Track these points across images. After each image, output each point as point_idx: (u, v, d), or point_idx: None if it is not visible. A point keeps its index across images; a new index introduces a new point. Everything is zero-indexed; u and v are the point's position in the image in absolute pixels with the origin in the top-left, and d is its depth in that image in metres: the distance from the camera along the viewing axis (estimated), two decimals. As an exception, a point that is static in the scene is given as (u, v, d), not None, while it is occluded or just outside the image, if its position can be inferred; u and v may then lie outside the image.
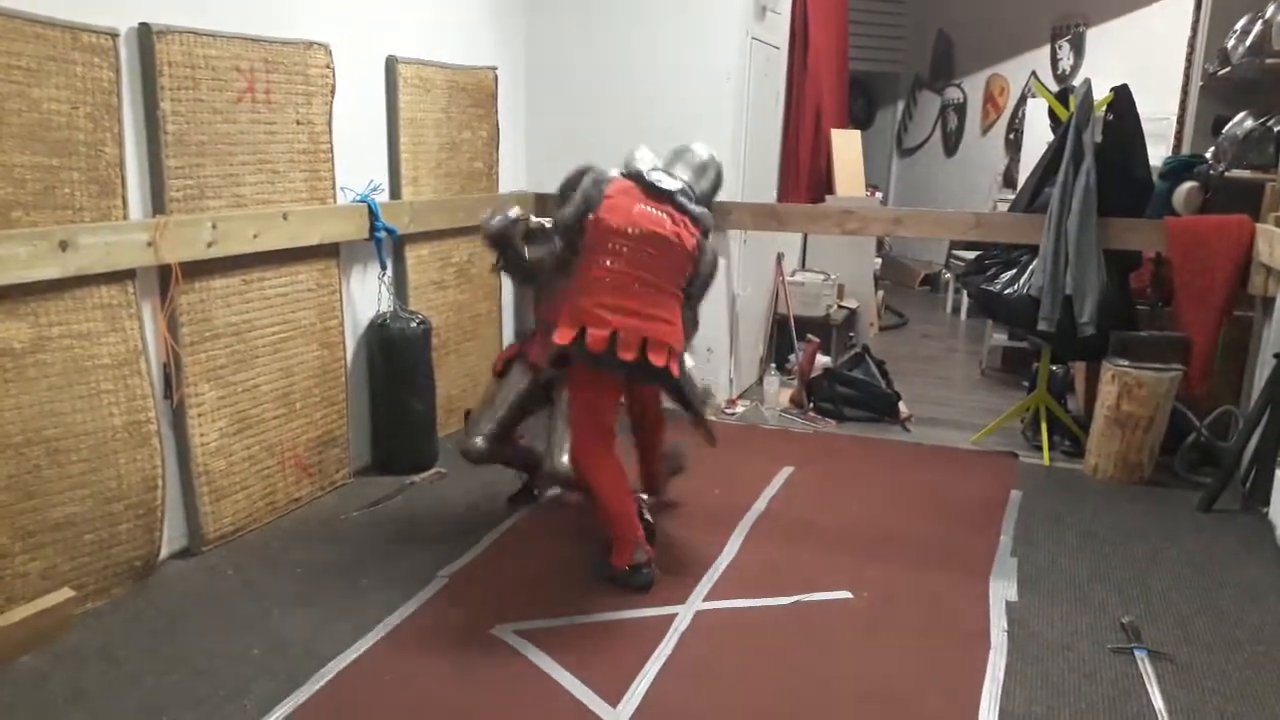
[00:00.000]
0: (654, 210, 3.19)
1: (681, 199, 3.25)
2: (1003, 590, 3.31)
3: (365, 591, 3.19)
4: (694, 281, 3.31)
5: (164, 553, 3.32)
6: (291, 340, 3.77)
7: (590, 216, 3.23)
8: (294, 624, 2.98)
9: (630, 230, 3.14)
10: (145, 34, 3.05)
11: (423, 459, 4.31)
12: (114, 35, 2.93)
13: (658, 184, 3.24)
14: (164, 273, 3.19)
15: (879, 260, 8.03)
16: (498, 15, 5.07)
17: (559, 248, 3.51)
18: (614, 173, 3.35)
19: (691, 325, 3.44)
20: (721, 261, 3.43)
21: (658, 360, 3.08)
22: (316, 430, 3.92)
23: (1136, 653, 2.90)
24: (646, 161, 3.36)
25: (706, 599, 3.19)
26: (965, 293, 6.75)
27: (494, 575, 3.35)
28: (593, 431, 3.29)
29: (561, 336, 3.12)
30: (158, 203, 3.17)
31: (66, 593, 2.87)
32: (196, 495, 3.40)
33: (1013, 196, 8.07)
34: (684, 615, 3.07)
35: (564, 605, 3.12)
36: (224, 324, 3.45)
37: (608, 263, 3.13)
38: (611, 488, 3.28)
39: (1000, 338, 6.38)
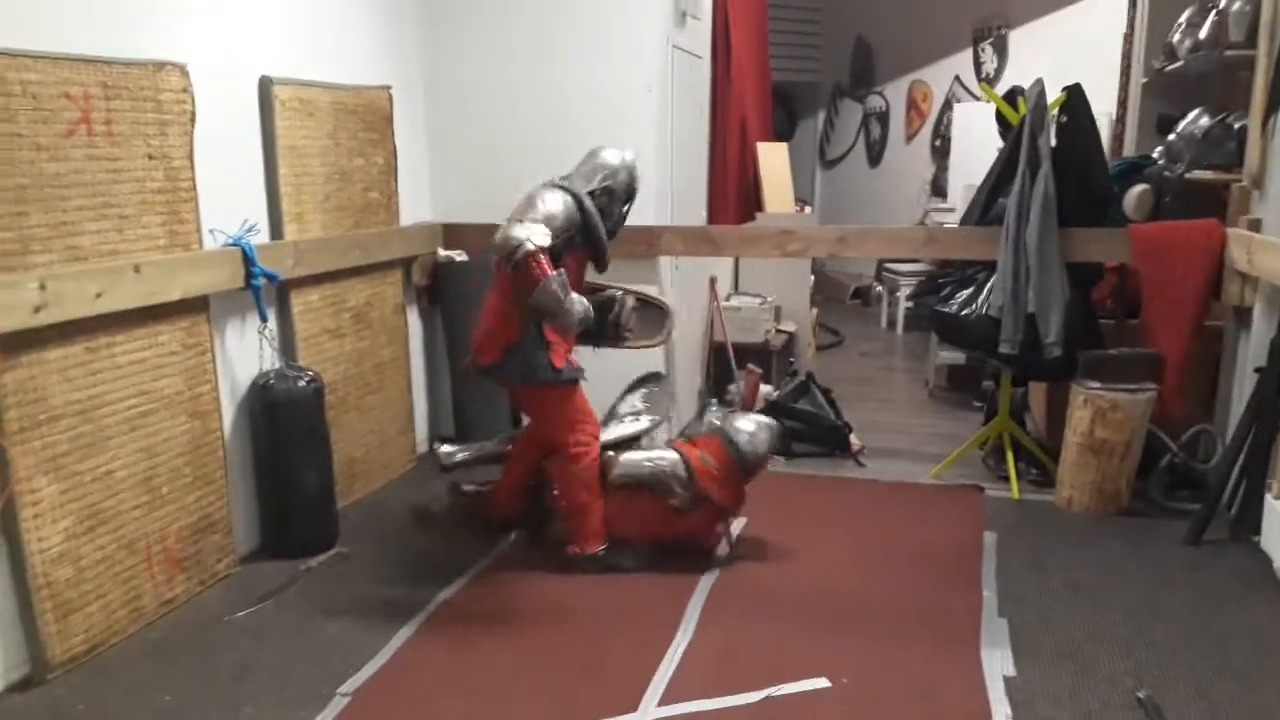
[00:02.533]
0: None
1: None
2: (997, 663, 2.89)
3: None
4: None
5: (-3, 688, 2.71)
6: (153, 414, 3.17)
7: None
8: (155, 778, 2.40)
9: None
10: (-64, 55, 2.47)
11: (321, 537, 3.73)
12: (-110, 57, 2.34)
13: None
14: (-23, 348, 2.59)
15: (812, 277, 7.67)
16: (389, 28, 4.54)
17: None
18: None
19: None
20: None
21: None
22: (190, 516, 3.33)
23: (1162, 736, 2.50)
24: None
25: (662, 703, 2.68)
26: (923, 315, 6.37)
27: (403, 690, 2.80)
28: None
29: None
30: (-36, 263, 2.57)
31: None
32: (36, 613, 2.78)
33: (944, 205, 7.87)
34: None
35: (492, 724, 2.60)
36: (63, 403, 2.85)
37: None
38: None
39: (946, 355, 6.03)
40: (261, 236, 3.65)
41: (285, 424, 3.61)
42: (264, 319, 3.59)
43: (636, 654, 2.95)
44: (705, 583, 3.44)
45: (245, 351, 3.62)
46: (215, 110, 3.39)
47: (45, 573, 2.80)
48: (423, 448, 4.92)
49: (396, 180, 4.52)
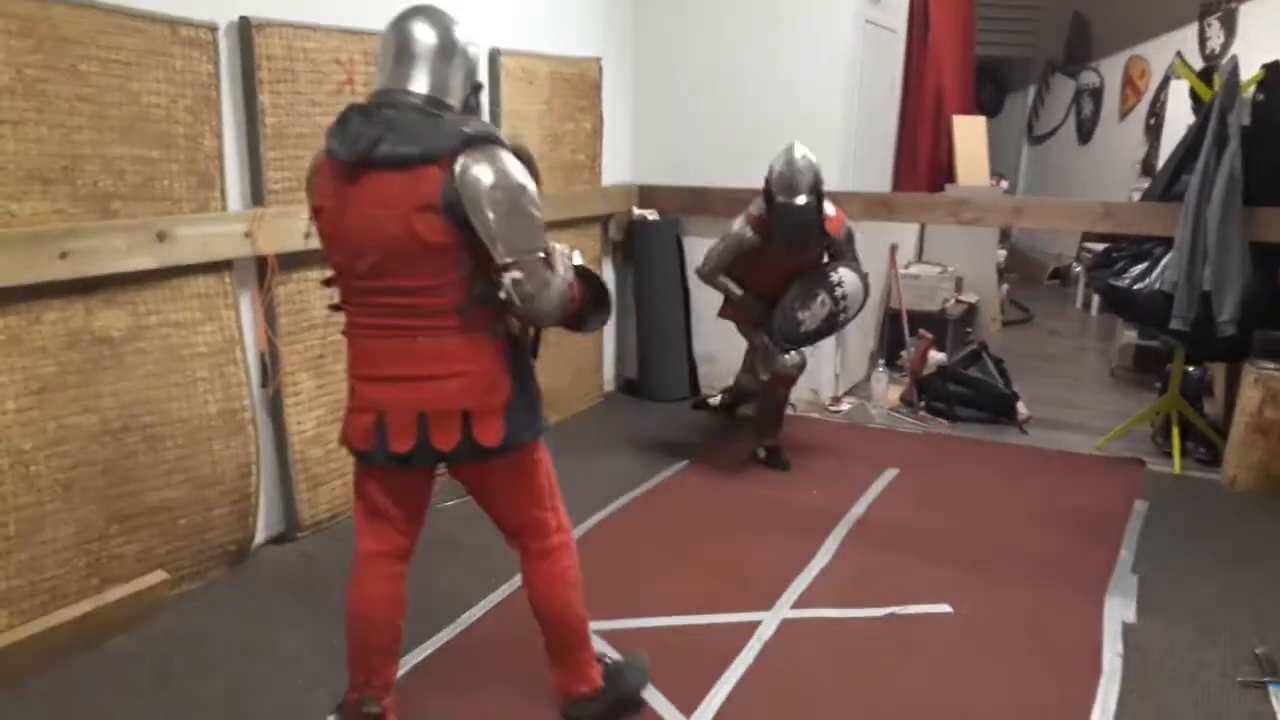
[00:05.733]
0: (373, 207, 2.00)
1: (399, 149, 1.96)
2: (1119, 610, 3.07)
3: (454, 582, 3.19)
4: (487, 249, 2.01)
5: (260, 538, 3.40)
6: (388, 331, 3.79)
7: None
8: (377, 614, 2.98)
9: (357, 264, 2.06)
10: (245, 27, 3.10)
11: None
12: (213, 29, 2.98)
13: (357, 146, 1.98)
14: (261, 264, 3.24)
15: (1003, 252, 7.65)
16: (603, 4, 5.01)
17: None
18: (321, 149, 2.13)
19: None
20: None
21: (443, 443, 2.09)
22: (413, 420, 3.94)
23: (1270, 687, 2.63)
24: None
25: (795, 606, 3.05)
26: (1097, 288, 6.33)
27: (582, 568, 3.28)
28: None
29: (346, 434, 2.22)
30: (256, 194, 3.23)
31: (161, 575, 2.94)
32: (293, 482, 3.46)
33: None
34: (769, 623, 2.95)
35: (647, 605, 3.04)
36: (322, 314, 3.49)
37: (352, 316, 2.16)
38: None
39: (1132, 335, 5.98)
40: (482, 187, 4.20)
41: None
42: (480, 258, 4.14)
43: (779, 565, 3.32)
44: (850, 518, 3.75)
45: (464, 285, 4.20)
46: (451, 76, 3.95)
47: (301, 450, 3.47)
48: (610, 386, 5.43)
49: (601, 144, 5.00)
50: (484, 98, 2.25)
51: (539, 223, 2.07)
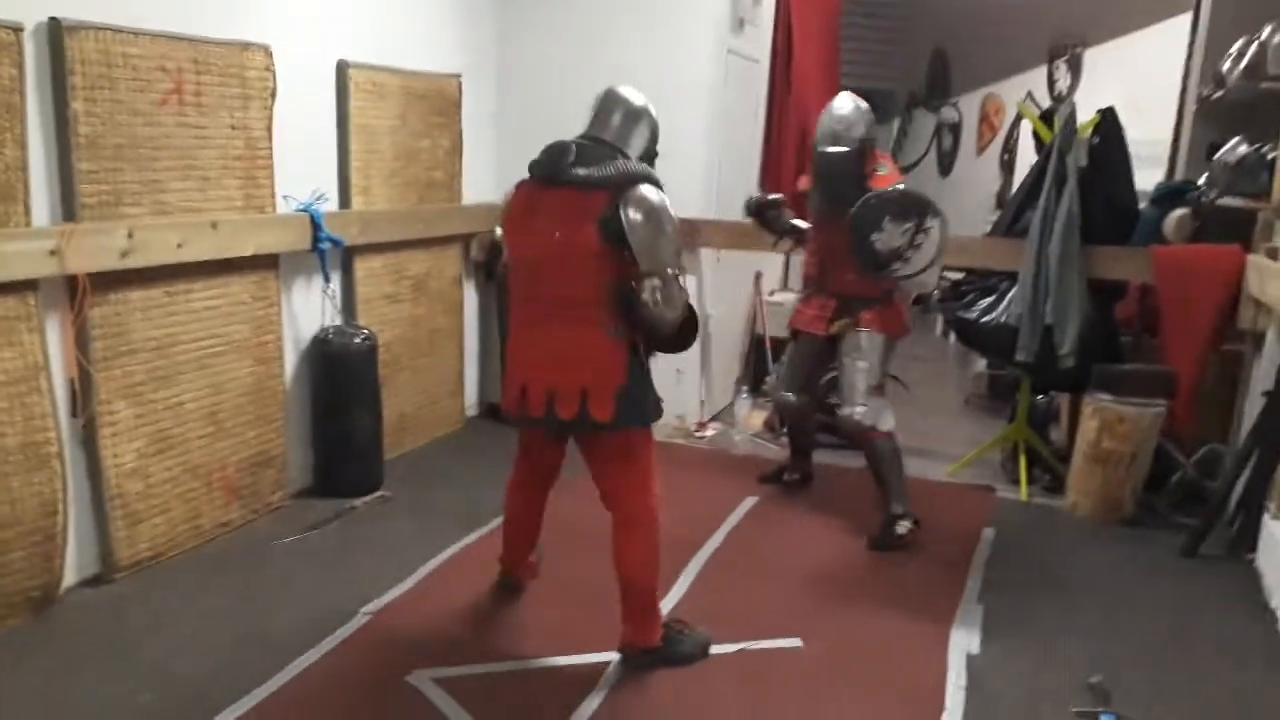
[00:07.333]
0: (554, 213, 2.67)
1: (580, 173, 2.65)
2: (964, 641, 3.09)
3: (280, 628, 2.98)
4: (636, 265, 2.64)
5: (70, 580, 3.12)
6: (222, 355, 3.56)
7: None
8: (197, 665, 2.76)
9: (526, 258, 2.80)
10: (55, 29, 2.86)
11: (367, 481, 4.10)
12: (17, 30, 2.73)
13: (552, 167, 2.71)
14: (73, 283, 2.99)
15: (866, 280, 7.80)
16: (464, 23, 4.88)
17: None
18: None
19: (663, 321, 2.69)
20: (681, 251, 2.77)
21: (565, 413, 2.70)
22: (249, 450, 3.71)
23: (1103, 718, 2.67)
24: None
25: (644, 645, 2.97)
26: (947, 320, 6.52)
27: (421, 614, 3.13)
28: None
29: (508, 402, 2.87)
30: (68, 209, 2.97)
31: (-54, 627, 2.66)
32: (109, 519, 3.20)
33: (1000, 219, 7.94)
34: (618, 663, 2.85)
35: (491, 650, 2.91)
36: (143, 338, 3.25)
37: (515, 305, 2.87)
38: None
39: (985, 363, 6.17)
40: (330, 205, 4.01)
41: (340, 376, 3.98)
42: (327, 280, 3.96)
43: (629, 603, 3.22)
44: (708, 548, 3.70)
45: (309, 308, 4.00)
46: (295, 88, 3.76)
47: (118, 484, 3.21)
48: (472, 411, 5.26)
49: (461, 161, 4.86)
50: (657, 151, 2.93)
51: (677, 246, 2.69)
